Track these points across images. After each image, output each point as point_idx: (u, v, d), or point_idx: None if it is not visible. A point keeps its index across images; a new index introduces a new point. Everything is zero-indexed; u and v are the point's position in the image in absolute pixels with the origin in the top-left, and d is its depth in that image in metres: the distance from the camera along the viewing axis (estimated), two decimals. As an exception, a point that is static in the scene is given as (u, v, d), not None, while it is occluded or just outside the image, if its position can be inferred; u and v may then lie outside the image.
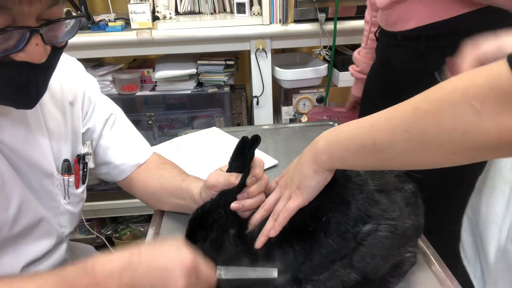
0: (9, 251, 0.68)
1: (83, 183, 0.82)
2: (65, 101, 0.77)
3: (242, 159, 0.66)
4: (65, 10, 0.60)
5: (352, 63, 1.45)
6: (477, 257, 0.74)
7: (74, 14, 0.61)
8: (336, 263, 0.62)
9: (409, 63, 1.06)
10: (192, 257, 0.57)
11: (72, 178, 0.78)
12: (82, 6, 0.57)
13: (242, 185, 0.65)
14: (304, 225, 0.63)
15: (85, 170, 0.82)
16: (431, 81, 1.09)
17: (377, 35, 1.22)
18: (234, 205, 0.65)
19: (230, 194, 0.65)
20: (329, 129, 0.61)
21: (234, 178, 0.66)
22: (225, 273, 0.60)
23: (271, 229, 0.62)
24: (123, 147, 0.88)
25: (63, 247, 0.80)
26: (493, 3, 0.89)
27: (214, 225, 0.64)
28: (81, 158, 0.81)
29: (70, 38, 0.61)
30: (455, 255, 0.81)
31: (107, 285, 0.54)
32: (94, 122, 0.84)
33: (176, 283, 0.55)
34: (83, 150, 0.82)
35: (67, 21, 0.59)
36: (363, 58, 1.39)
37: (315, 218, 0.63)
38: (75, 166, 0.79)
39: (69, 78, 0.79)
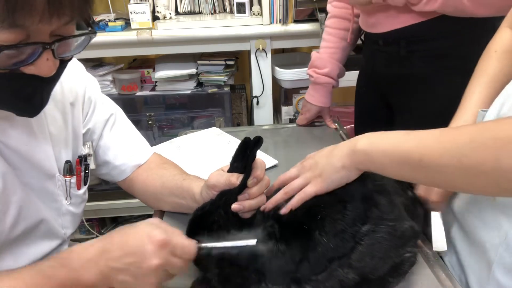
0: (10, 252, 0.68)
1: (85, 184, 0.82)
2: (66, 102, 0.77)
3: (243, 160, 0.66)
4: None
5: (356, 66, 1.38)
6: (451, 248, 0.75)
7: (84, 30, 0.61)
8: (334, 263, 0.61)
9: (391, 67, 1.08)
10: (163, 233, 0.58)
11: (73, 179, 0.78)
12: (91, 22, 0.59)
13: (243, 186, 0.65)
14: (299, 223, 0.63)
15: (87, 171, 0.82)
16: (413, 85, 1.11)
17: (363, 39, 1.23)
18: (234, 206, 0.64)
19: (230, 194, 0.65)
20: (373, 132, 0.62)
21: (235, 179, 0.66)
22: (205, 245, 0.62)
23: (283, 207, 0.64)
24: (123, 147, 0.88)
25: (65, 248, 0.80)
26: (444, 12, 0.92)
27: (214, 226, 0.64)
28: (82, 160, 0.81)
29: (78, 53, 0.62)
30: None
31: (85, 273, 0.57)
32: (94, 122, 0.84)
33: (150, 262, 0.56)
34: (83, 151, 0.82)
35: (75, 39, 0.59)
36: (329, 58, 1.27)
37: (309, 216, 0.63)
38: (76, 167, 0.79)
39: (70, 79, 0.78)
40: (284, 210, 0.65)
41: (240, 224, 0.64)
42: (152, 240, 0.57)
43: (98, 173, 0.89)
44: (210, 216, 0.65)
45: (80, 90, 0.81)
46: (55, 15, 0.52)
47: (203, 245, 0.61)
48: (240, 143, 0.66)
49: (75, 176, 0.79)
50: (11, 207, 0.66)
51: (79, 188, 0.80)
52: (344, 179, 0.63)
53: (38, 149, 0.72)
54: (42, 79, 0.57)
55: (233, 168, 0.68)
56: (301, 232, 0.63)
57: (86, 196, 0.84)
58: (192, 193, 0.78)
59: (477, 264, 0.67)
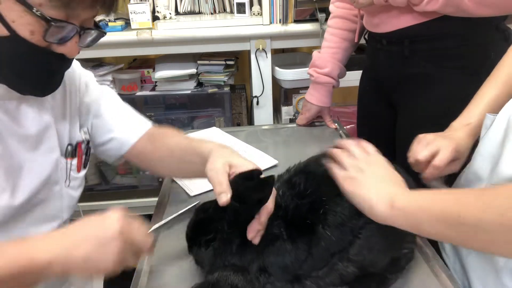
0: (6, 232, 0.69)
1: (84, 167, 0.83)
2: (66, 87, 0.80)
3: (257, 193, 0.63)
4: None
5: (356, 66, 1.40)
6: (455, 252, 0.75)
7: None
8: (335, 257, 0.62)
9: (394, 67, 1.08)
10: (120, 223, 0.59)
11: (75, 161, 0.80)
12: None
13: (256, 209, 0.63)
14: (303, 218, 0.63)
15: (88, 154, 0.84)
16: (416, 85, 1.12)
17: (366, 38, 1.23)
18: (251, 234, 0.62)
19: (242, 213, 0.63)
20: (413, 190, 0.60)
21: (224, 200, 0.62)
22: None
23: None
24: (122, 120, 0.89)
25: None
26: (445, 12, 0.92)
27: (217, 235, 0.64)
28: (84, 142, 0.83)
29: (88, 47, 0.70)
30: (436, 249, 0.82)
31: (40, 251, 0.56)
32: (90, 97, 0.86)
33: (111, 228, 0.58)
34: (81, 136, 0.83)
35: (91, 32, 0.68)
36: (330, 57, 1.27)
37: (312, 211, 0.64)
38: (78, 150, 0.81)
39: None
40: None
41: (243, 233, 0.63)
42: (111, 213, 0.60)
43: (102, 152, 0.89)
44: (211, 223, 0.65)
45: (76, 75, 0.83)
46: (94, 5, 0.64)
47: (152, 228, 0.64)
48: (263, 181, 0.63)
49: (76, 159, 0.80)
50: (17, 184, 0.68)
51: (79, 171, 0.81)
52: (361, 208, 0.62)
53: (46, 131, 0.74)
54: (65, 60, 0.66)
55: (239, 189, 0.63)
56: (306, 228, 0.63)
57: (84, 181, 0.85)
58: (201, 154, 0.76)
59: (483, 270, 0.67)
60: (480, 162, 0.71)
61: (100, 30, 0.69)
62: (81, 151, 0.81)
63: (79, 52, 0.67)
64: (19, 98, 0.70)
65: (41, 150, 0.74)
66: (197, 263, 0.68)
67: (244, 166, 0.66)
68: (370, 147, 0.70)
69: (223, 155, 0.70)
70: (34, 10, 0.58)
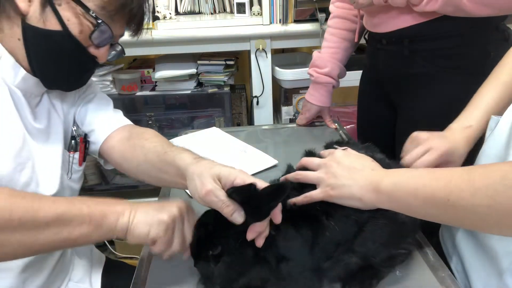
0: None
1: (84, 160, 0.87)
2: None
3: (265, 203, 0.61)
4: None
5: (356, 66, 1.39)
6: (457, 253, 0.75)
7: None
8: (340, 248, 0.63)
9: (394, 67, 1.08)
10: (178, 210, 0.66)
11: (77, 155, 0.84)
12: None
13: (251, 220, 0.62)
14: (306, 210, 0.64)
15: (87, 148, 0.88)
16: (416, 84, 1.12)
17: (366, 38, 1.23)
18: (252, 235, 0.62)
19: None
20: (397, 170, 0.61)
21: (229, 211, 0.61)
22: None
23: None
24: (99, 114, 0.89)
25: None
26: (445, 12, 0.91)
27: (224, 249, 0.63)
28: (86, 136, 0.87)
29: (108, 61, 0.82)
30: (436, 249, 0.82)
31: (115, 205, 0.65)
32: (91, 92, 0.91)
33: (170, 207, 0.65)
34: (81, 130, 0.87)
35: (117, 47, 0.82)
36: (330, 57, 1.27)
37: (316, 204, 0.65)
38: (80, 144, 0.85)
39: None
40: (292, 201, 0.66)
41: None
42: (174, 202, 0.67)
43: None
44: (215, 237, 0.65)
45: None
46: (130, 23, 0.78)
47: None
48: (276, 187, 0.62)
49: (78, 152, 0.84)
50: (22, 174, 0.72)
51: (80, 164, 0.86)
52: (355, 206, 0.63)
53: (55, 124, 0.81)
54: (95, 62, 0.77)
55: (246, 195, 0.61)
56: (310, 219, 0.64)
57: (83, 175, 0.90)
58: (176, 167, 0.73)
59: (485, 272, 0.67)
60: (486, 163, 0.71)
61: (122, 48, 0.83)
62: (82, 145, 0.85)
63: (105, 59, 0.78)
64: (42, 93, 0.78)
65: (49, 143, 0.79)
66: (203, 277, 0.68)
67: (232, 175, 0.62)
68: (327, 151, 0.72)
69: (205, 169, 0.65)
70: (90, 13, 0.70)
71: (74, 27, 0.71)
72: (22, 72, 0.72)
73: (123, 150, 0.86)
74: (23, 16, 0.69)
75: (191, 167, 0.67)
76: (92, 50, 0.75)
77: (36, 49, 0.71)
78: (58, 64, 0.74)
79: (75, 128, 0.86)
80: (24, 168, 0.72)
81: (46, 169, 0.77)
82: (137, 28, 0.81)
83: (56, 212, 0.58)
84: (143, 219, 0.64)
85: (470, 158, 0.79)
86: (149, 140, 0.84)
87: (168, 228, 0.64)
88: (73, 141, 0.85)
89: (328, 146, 0.79)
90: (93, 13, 0.70)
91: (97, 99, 0.91)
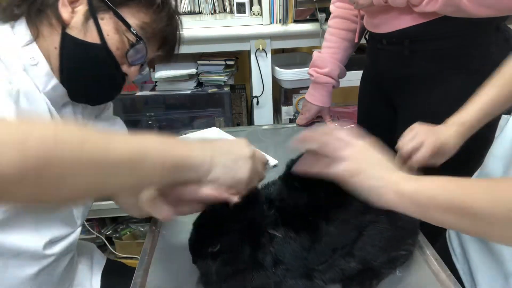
0: (32, 229, 0.73)
1: None
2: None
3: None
4: None
5: (356, 66, 1.39)
6: (463, 254, 0.75)
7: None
8: (337, 253, 0.63)
9: (394, 67, 1.08)
10: (250, 149, 0.65)
11: None
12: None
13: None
14: (304, 214, 0.64)
15: None
16: (416, 85, 1.12)
17: (367, 38, 1.23)
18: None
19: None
20: (421, 176, 0.59)
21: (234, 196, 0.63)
22: None
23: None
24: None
25: (74, 236, 0.84)
26: (445, 13, 0.92)
27: (223, 247, 0.63)
28: None
29: (134, 81, 0.79)
30: (444, 250, 0.82)
31: (194, 151, 0.59)
32: (107, 114, 0.91)
33: (244, 150, 0.63)
34: None
35: (146, 68, 0.84)
36: (330, 57, 1.27)
37: (313, 208, 0.64)
38: None
39: None
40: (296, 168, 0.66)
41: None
42: (241, 140, 0.66)
43: None
44: (213, 235, 0.64)
45: None
46: (163, 47, 0.82)
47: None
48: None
49: None
50: None
51: None
52: (366, 199, 0.60)
53: None
54: (124, 80, 0.79)
55: None
56: (307, 223, 0.63)
57: None
58: None
59: (491, 274, 0.67)
60: (493, 163, 0.71)
61: (149, 70, 0.82)
62: None
63: (134, 79, 0.80)
64: (64, 104, 0.77)
65: None
66: (202, 274, 0.68)
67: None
68: (343, 132, 0.68)
69: None
70: (132, 30, 0.73)
71: (112, 42, 0.72)
72: (54, 81, 0.72)
73: None
74: (64, 25, 0.70)
75: None
76: (124, 68, 0.77)
77: (71, 60, 0.72)
78: (89, 77, 0.75)
79: None
80: None
81: None
82: (169, 53, 0.84)
83: (129, 150, 0.52)
84: (219, 171, 0.60)
85: (479, 157, 0.81)
86: None
87: (247, 182, 0.63)
88: None
89: None
90: (134, 30, 0.73)
91: (117, 125, 0.93)
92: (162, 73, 1.77)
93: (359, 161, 0.61)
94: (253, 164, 0.63)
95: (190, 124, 1.98)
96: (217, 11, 1.92)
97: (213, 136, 1.28)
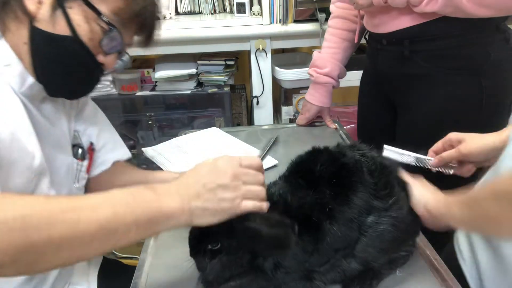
0: None
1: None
2: None
3: None
4: None
5: (356, 66, 1.39)
6: (472, 259, 0.75)
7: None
8: (339, 253, 0.63)
9: (394, 67, 1.08)
10: (231, 167, 0.61)
11: (85, 163, 0.82)
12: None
13: None
14: (308, 215, 0.63)
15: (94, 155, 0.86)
16: (416, 85, 1.12)
17: (367, 38, 1.23)
18: None
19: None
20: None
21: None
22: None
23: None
24: (104, 142, 0.89)
25: None
26: (445, 13, 0.92)
27: (223, 246, 0.62)
28: (92, 145, 0.85)
29: (114, 71, 0.79)
30: (451, 253, 0.81)
31: (167, 199, 0.57)
32: (89, 110, 0.88)
33: (224, 173, 0.60)
34: (73, 140, 0.84)
35: (124, 56, 0.77)
36: (330, 57, 1.27)
37: (317, 209, 0.63)
38: (90, 152, 0.83)
39: None
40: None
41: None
42: (219, 158, 0.62)
43: None
44: (215, 232, 0.63)
45: None
46: (141, 31, 0.75)
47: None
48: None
49: (87, 161, 0.83)
50: (35, 178, 0.69)
51: (88, 172, 0.84)
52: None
53: (62, 132, 0.78)
54: (102, 70, 0.73)
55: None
56: (311, 224, 0.63)
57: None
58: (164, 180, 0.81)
59: (500, 279, 0.67)
60: (509, 162, 0.70)
61: (129, 57, 0.79)
62: (92, 153, 0.83)
63: (112, 68, 0.75)
64: (43, 97, 0.74)
65: (60, 149, 0.77)
66: (199, 269, 0.68)
67: (249, 158, 0.66)
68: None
69: None
70: (103, 17, 0.67)
71: (84, 32, 0.67)
72: (30, 80, 0.69)
73: (113, 177, 0.90)
74: (31, 18, 0.65)
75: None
76: (101, 58, 0.72)
77: (42, 55, 0.68)
78: (64, 71, 0.71)
79: (76, 135, 0.84)
80: (40, 180, 0.70)
81: (57, 175, 0.76)
82: (148, 37, 0.78)
83: (98, 223, 0.52)
84: (202, 213, 0.58)
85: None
86: (135, 169, 0.93)
87: (232, 208, 0.59)
88: (79, 149, 0.82)
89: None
90: (105, 17, 0.67)
91: (101, 122, 0.91)
92: (162, 73, 1.77)
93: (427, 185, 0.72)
94: (236, 187, 0.59)
95: (190, 124, 1.98)
96: (217, 11, 1.92)
97: (208, 141, 1.28)
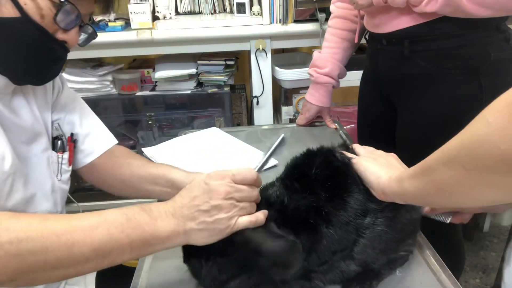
0: None
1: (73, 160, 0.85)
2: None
3: None
4: None
5: (356, 66, 1.40)
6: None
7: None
8: (337, 255, 0.63)
9: (394, 67, 1.08)
10: (218, 171, 0.62)
11: (66, 155, 0.80)
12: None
13: None
14: (305, 218, 0.63)
15: (76, 147, 0.84)
16: (416, 85, 1.12)
17: (367, 38, 1.23)
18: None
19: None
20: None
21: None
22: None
23: None
24: (89, 132, 0.87)
25: None
26: (445, 13, 0.91)
27: (218, 249, 0.62)
28: (73, 136, 0.83)
29: (82, 46, 0.74)
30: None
31: (161, 222, 0.58)
32: (65, 98, 0.85)
33: (216, 193, 0.59)
34: (54, 132, 0.82)
35: (88, 28, 0.73)
36: (330, 57, 1.27)
37: (314, 212, 0.63)
38: (69, 144, 0.81)
39: None
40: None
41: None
42: (211, 176, 0.60)
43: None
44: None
45: None
46: (98, 1, 0.70)
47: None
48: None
49: (67, 152, 0.81)
50: (9, 178, 0.67)
51: (70, 164, 0.82)
52: (368, 180, 0.65)
53: (36, 124, 0.75)
54: (65, 48, 0.68)
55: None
56: (307, 226, 0.63)
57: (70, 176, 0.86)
58: (168, 179, 0.82)
59: None
60: None
61: (94, 30, 0.74)
62: (72, 144, 0.81)
63: (75, 43, 0.70)
64: (13, 91, 0.71)
65: (36, 143, 0.75)
66: (193, 275, 0.67)
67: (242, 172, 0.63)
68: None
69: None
70: None
71: (33, 11, 0.61)
72: None
73: (109, 167, 0.88)
74: None
75: (187, 178, 0.78)
76: (60, 35, 0.66)
77: None
78: (23, 56, 0.65)
79: (55, 127, 0.81)
80: (15, 180, 0.68)
81: (36, 170, 0.74)
82: (107, 3, 0.72)
83: (92, 246, 0.54)
84: (198, 234, 0.58)
85: None
86: (136, 159, 0.90)
87: (228, 227, 0.58)
88: (59, 141, 0.80)
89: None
90: None
91: (84, 113, 0.88)
92: (162, 73, 1.77)
93: (372, 156, 0.69)
94: (229, 206, 0.58)
95: (190, 124, 1.98)
96: (217, 11, 1.92)
97: (208, 141, 1.28)
